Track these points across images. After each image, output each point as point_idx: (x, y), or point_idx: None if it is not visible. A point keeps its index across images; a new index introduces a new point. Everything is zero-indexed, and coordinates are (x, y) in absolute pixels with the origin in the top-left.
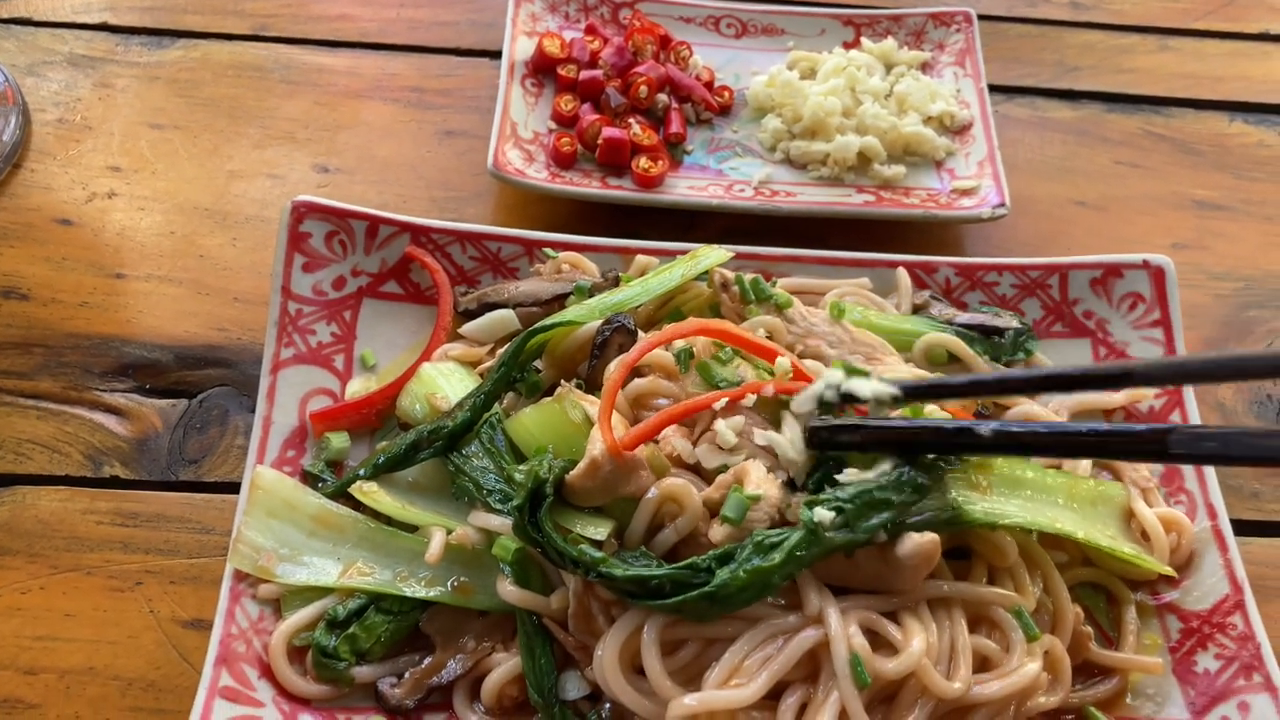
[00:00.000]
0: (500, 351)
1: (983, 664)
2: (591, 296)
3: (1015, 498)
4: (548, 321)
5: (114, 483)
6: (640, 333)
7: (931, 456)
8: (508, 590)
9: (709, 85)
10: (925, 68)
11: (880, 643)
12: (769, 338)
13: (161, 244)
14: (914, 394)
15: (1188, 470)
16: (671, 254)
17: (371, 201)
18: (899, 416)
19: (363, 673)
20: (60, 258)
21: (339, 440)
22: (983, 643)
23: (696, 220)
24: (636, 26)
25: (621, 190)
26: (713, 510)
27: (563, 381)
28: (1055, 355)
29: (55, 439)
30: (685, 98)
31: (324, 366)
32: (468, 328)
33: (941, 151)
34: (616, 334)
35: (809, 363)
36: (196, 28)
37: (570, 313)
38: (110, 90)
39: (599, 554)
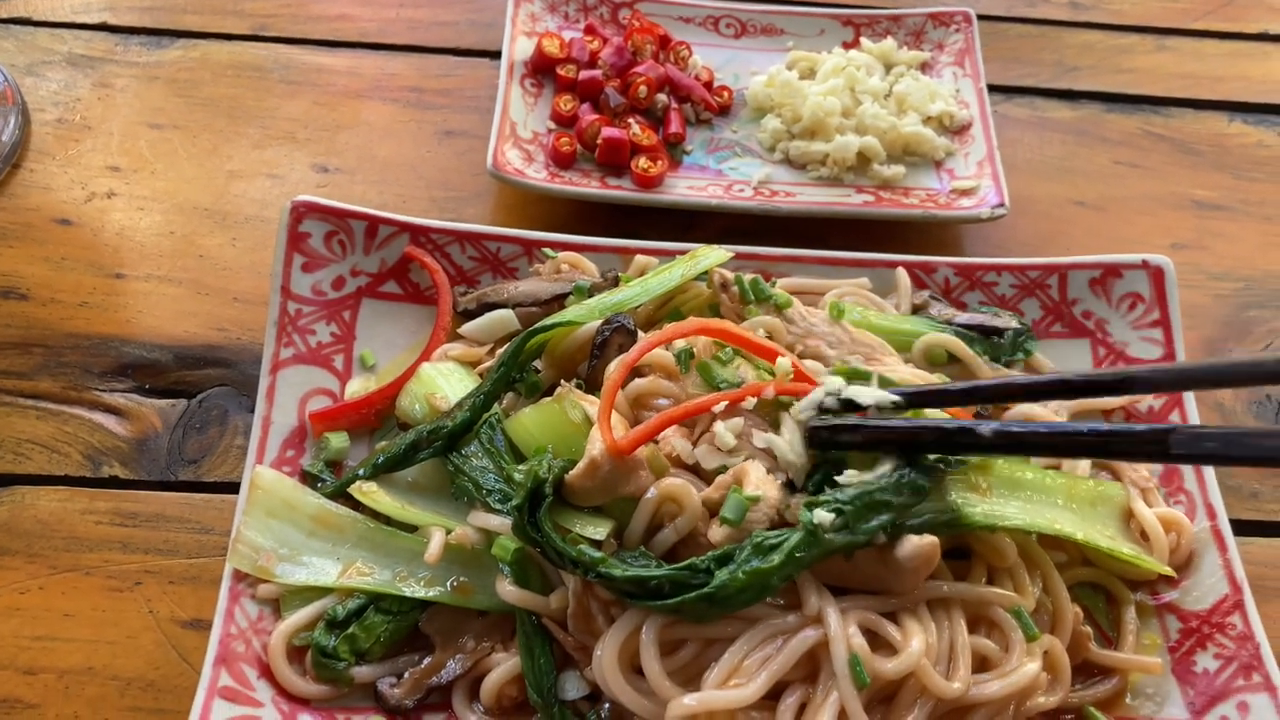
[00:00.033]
0: (500, 351)
1: (982, 664)
2: (591, 296)
3: (1015, 499)
4: (547, 321)
5: (113, 483)
6: (640, 333)
7: (931, 458)
8: (507, 590)
9: (708, 85)
10: (924, 68)
11: (879, 643)
12: (769, 338)
13: (161, 244)
14: (914, 401)
15: (1187, 470)
16: (671, 254)
17: (371, 201)
18: (900, 417)
19: (362, 673)
20: (60, 258)
21: (338, 440)
22: (982, 643)
23: (696, 220)
24: (636, 26)
25: (621, 190)
26: (712, 510)
27: (562, 381)
28: (1055, 355)
29: (54, 439)
30: (685, 98)
31: (323, 366)
32: (467, 328)
33: (941, 151)
34: (616, 334)
35: (809, 363)
36: (196, 28)
37: (570, 313)
38: (109, 90)
39: (598, 554)
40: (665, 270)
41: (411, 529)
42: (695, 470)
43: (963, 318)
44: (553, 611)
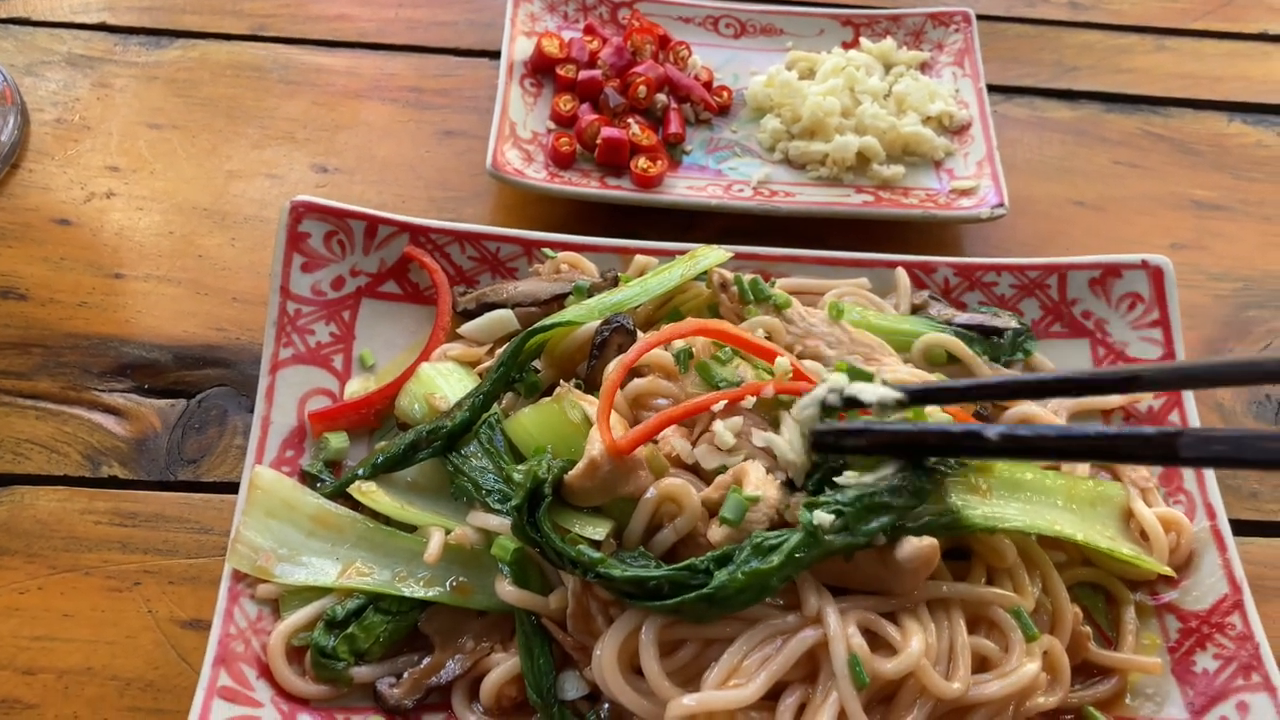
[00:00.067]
0: (499, 351)
1: (982, 664)
2: (590, 296)
3: (1015, 500)
4: (547, 321)
5: (112, 483)
6: (639, 333)
7: (932, 460)
8: (506, 590)
9: (708, 85)
10: (924, 68)
11: (879, 643)
12: (768, 338)
13: (160, 244)
14: (917, 398)
15: (1187, 470)
16: (670, 254)
17: (370, 201)
18: (903, 420)
19: (361, 673)
20: (59, 258)
21: (338, 440)
22: (982, 643)
23: (695, 220)
24: (635, 26)
25: (620, 190)
26: (711, 510)
27: (562, 381)
28: (1054, 355)
29: (54, 439)
30: (684, 98)
31: (323, 366)
32: (466, 328)
33: (940, 151)
34: (615, 334)
35: (808, 363)
36: (195, 27)
37: (569, 313)
38: (108, 90)
39: (597, 554)
40: (665, 270)
41: (411, 529)
42: (695, 470)
43: (962, 318)
44: (552, 611)
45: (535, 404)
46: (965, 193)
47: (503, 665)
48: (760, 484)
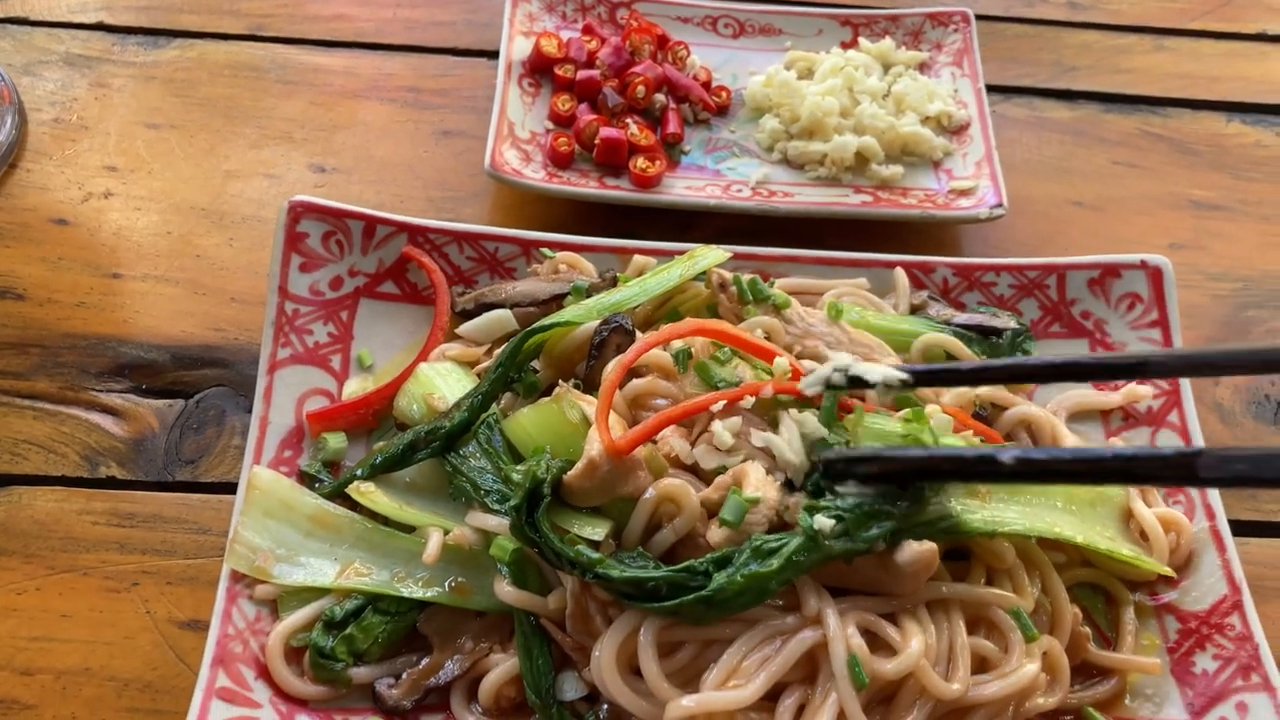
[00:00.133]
0: (498, 352)
1: (981, 665)
2: (589, 297)
3: (1014, 504)
4: (545, 322)
5: (110, 483)
6: (638, 333)
7: None
8: (505, 591)
9: (706, 85)
10: (923, 68)
11: (879, 644)
12: (767, 338)
13: (158, 244)
14: (922, 379)
15: None
16: (669, 254)
17: (368, 201)
18: (916, 445)
19: (360, 673)
20: (56, 258)
21: (336, 440)
22: (981, 644)
23: (694, 220)
24: (634, 26)
25: (619, 190)
26: (710, 511)
27: (560, 382)
28: (1053, 355)
29: (51, 439)
30: (683, 98)
31: (321, 367)
32: (465, 328)
33: (939, 152)
34: (614, 334)
35: (807, 363)
36: (193, 27)
37: (568, 313)
38: (106, 90)
39: (596, 555)
40: (663, 270)
41: (409, 529)
42: (694, 470)
43: (961, 318)
44: (551, 612)
45: (534, 404)
46: (964, 193)
47: (501, 666)
48: (760, 485)
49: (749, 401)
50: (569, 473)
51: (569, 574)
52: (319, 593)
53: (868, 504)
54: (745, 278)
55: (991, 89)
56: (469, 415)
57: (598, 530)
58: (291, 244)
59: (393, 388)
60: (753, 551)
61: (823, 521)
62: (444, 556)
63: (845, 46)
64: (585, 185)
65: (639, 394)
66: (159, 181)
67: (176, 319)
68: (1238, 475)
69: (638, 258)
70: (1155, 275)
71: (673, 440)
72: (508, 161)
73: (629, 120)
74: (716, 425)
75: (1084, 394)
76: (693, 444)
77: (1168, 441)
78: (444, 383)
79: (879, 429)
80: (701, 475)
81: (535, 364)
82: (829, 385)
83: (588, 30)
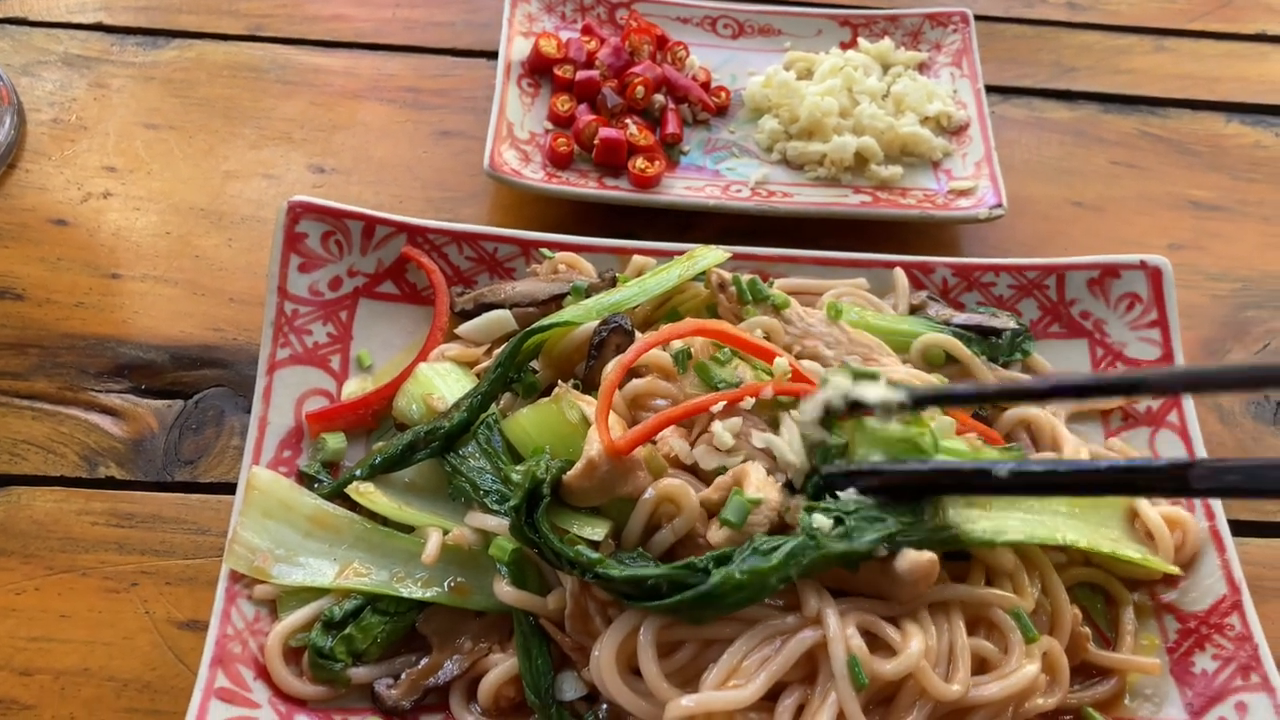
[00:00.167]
0: (497, 352)
1: (981, 665)
2: (588, 297)
3: (1016, 511)
4: (545, 322)
5: (109, 483)
6: (637, 333)
7: None
8: (504, 591)
9: (706, 86)
10: (922, 68)
11: (879, 644)
12: (766, 338)
13: (157, 244)
14: (921, 401)
15: None
16: (668, 254)
17: (368, 202)
18: (914, 460)
19: (359, 674)
20: (55, 258)
21: (335, 441)
22: (981, 644)
23: (693, 221)
24: (633, 27)
25: (618, 191)
26: (710, 511)
27: (560, 382)
28: (1052, 356)
29: (50, 439)
30: (682, 98)
31: (320, 367)
32: (464, 328)
33: (938, 152)
34: (613, 334)
35: (806, 363)
36: (191, 28)
37: (567, 313)
38: (105, 90)
39: (595, 554)
40: (663, 271)
41: (408, 530)
42: (693, 471)
43: (960, 318)
44: (550, 612)
45: (533, 404)
46: (963, 193)
47: (501, 666)
48: (762, 486)
49: (749, 402)
50: (568, 473)
51: (569, 574)
52: (318, 593)
53: (866, 510)
54: (744, 278)
55: (991, 89)
56: (468, 415)
57: (597, 530)
58: (290, 244)
59: (392, 388)
60: (754, 551)
61: (821, 520)
62: (443, 557)
63: (844, 47)
64: (584, 185)
65: (638, 394)
66: (158, 182)
67: (175, 319)
68: (1231, 486)
69: (637, 258)
70: (1154, 275)
71: (672, 440)
72: (507, 162)
73: (628, 120)
74: (717, 426)
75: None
76: (692, 444)
77: (1167, 442)
78: (443, 383)
79: (879, 432)
80: (701, 475)
81: (534, 364)
82: (828, 410)
83: (587, 31)
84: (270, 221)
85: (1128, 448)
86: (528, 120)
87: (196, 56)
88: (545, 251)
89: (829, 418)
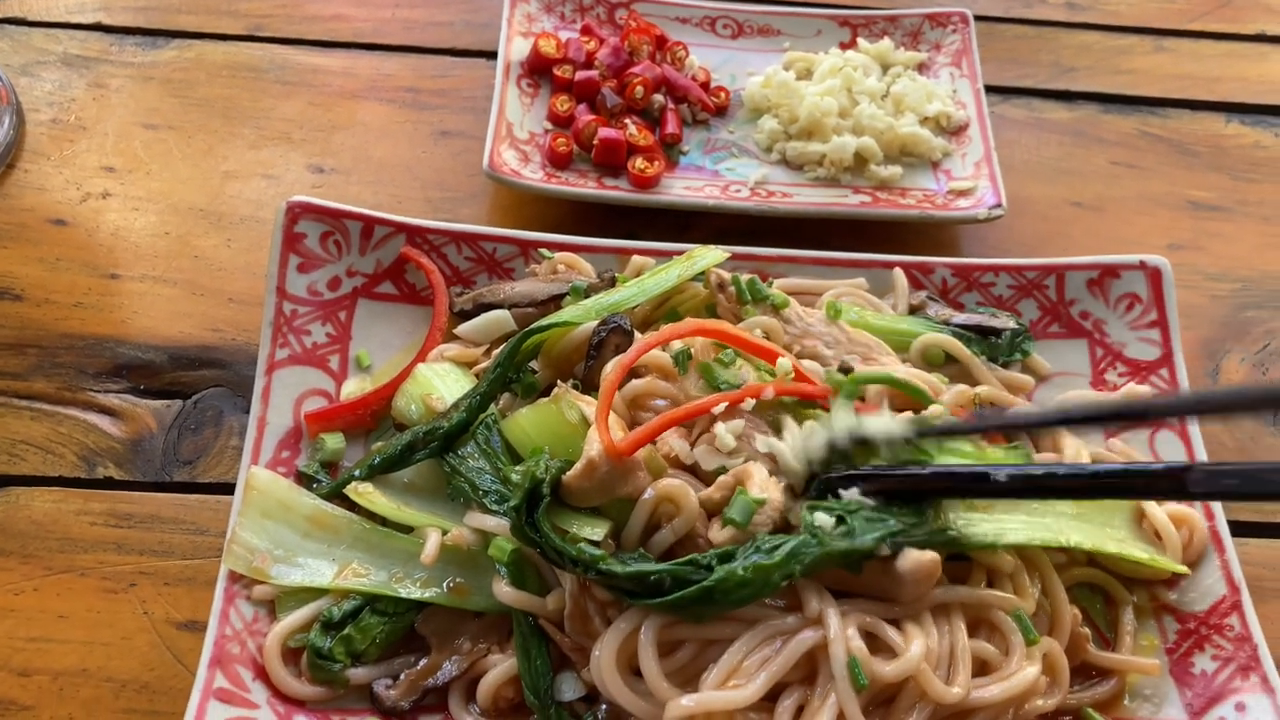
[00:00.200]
0: (496, 352)
1: (982, 667)
2: (587, 297)
3: (1018, 513)
4: (544, 322)
5: (108, 484)
6: (636, 333)
7: None
8: (503, 591)
9: (705, 86)
10: (922, 68)
11: (879, 646)
12: (766, 338)
13: (156, 244)
14: (926, 435)
15: None
16: (668, 254)
17: (367, 202)
18: (915, 464)
19: (358, 674)
20: (54, 258)
21: (334, 441)
22: (982, 646)
23: (692, 221)
24: (632, 27)
25: (617, 191)
26: (710, 511)
27: (559, 382)
28: (1052, 356)
29: (49, 440)
30: (681, 98)
31: (319, 367)
32: (463, 328)
33: (938, 152)
34: (613, 335)
35: (806, 363)
36: (191, 28)
37: (566, 313)
38: (104, 90)
39: (599, 551)
40: (662, 271)
41: (407, 530)
42: (693, 471)
43: (960, 318)
44: (549, 613)
45: (532, 404)
46: (963, 193)
47: (500, 666)
48: (765, 486)
49: (750, 403)
50: (568, 473)
51: (570, 572)
52: (317, 593)
53: (869, 509)
54: (744, 278)
55: (990, 89)
56: (467, 416)
57: (597, 530)
58: (289, 244)
59: (391, 388)
60: (756, 549)
61: (824, 519)
62: (442, 557)
63: (844, 47)
64: (584, 186)
65: (638, 394)
66: (157, 182)
67: (174, 319)
68: (1227, 490)
69: (636, 258)
70: (1154, 276)
71: (672, 440)
72: (506, 162)
73: (627, 121)
74: (719, 427)
75: (1083, 394)
76: (692, 445)
77: (1167, 442)
78: (442, 383)
79: None
80: (701, 475)
81: (533, 364)
82: (834, 447)
83: (586, 31)
84: (269, 222)
85: (1128, 448)
86: (527, 120)
87: (196, 57)
88: (544, 252)
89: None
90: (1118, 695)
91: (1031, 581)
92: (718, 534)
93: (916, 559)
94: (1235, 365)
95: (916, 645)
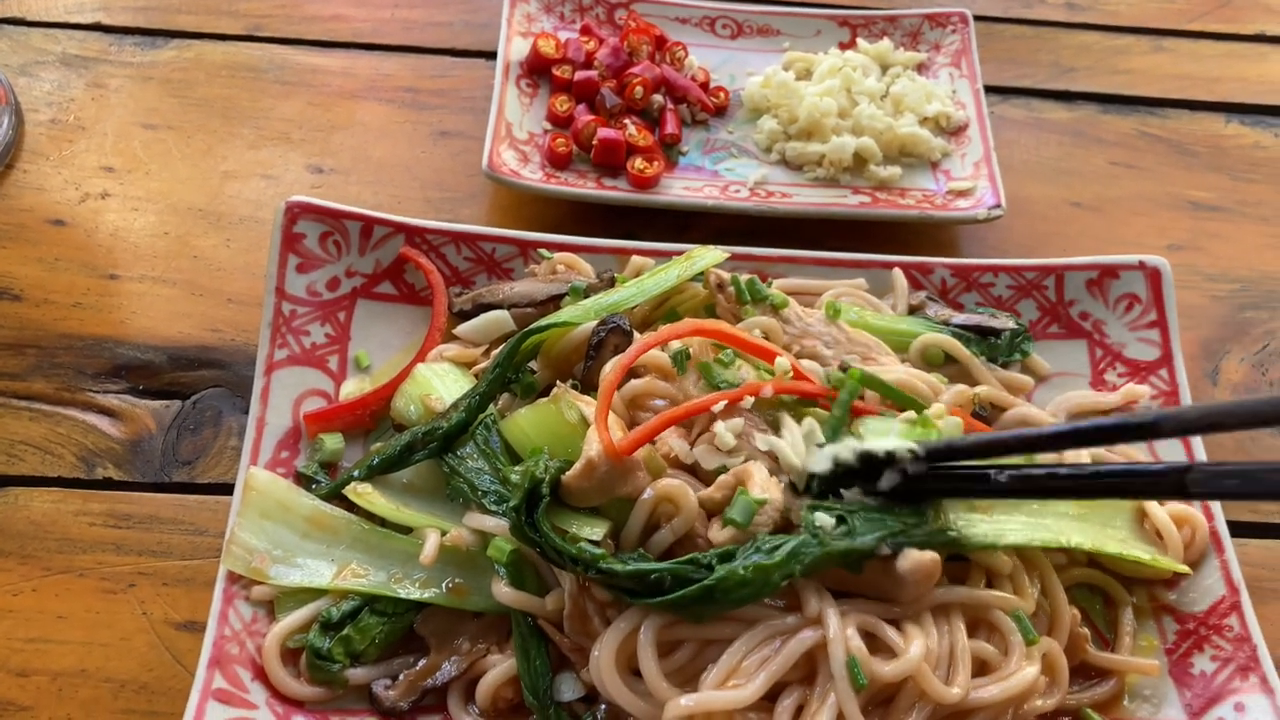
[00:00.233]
0: (495, 352)
1: (981, 667)
2: (587, 297)
3: (1018, 514)
4: (543, 322)
5: (107, 484)
6: (635, 334)
7: None
8: (503, 591)
9: (704, 86)
10: (921, 68)
11: (879, 646)
12: (765, 338)
13: (155, 245)
14: (933, 455)
15: None
16: (667, 255)
17: (366, 202)
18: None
19: (357, 675)
20: (53, 258)
21: (333, 441)
22: (982, 646)
23: (692, 221)
24: (632, 27)
25: (617, 191)
26: (710, 511)
27: (558, 382)
28: (1051, 356)
29: (48, 440)
30: (681, 98)
31: (318, 368)
32: (462, 329)
33: (937, 152)
34: (612, 335)
35: (805, 363)
36: (190, 28)
37: (565, 314)
38: (103, 90)
39: (599, 550)
40: (661, 271)
41: (406, 530)
42: (692, 470)
43: (959, 318)
44: (548, 613)
45: (532, 405)
46: (962, 194)
47: (499, 667)
48: (766, 486)
49: (749, 402)
50: (567, 473)
51: (571, 572)
52: (316, 594)
53: (869, 510)
54: (743, 278)
55: (990, 90)
56: (466, 416)
57: (596, 530)
58: (289, 245)
59: (390, 389)
60: (757, 548)
61: (824, 519)
62: (441, 557)
63: (843, 47)
64: (583, 186)
65: (637, 394)
66: (156, 182)
67: (173, 320)
68: (1227, 490)
69: (635, 258)
70: (1153, 276)
71: (671, 440)
72: (505, 162)
73: (627, 121)
74: (719, 426)
75: (1083, 395)
76: (692, 444)
77: (1166, 441)
78: (441, 383)
79: (883, 434)
80: (700, 475)
81: (533, 365)
82: (837, 462)
83: (585, 31)
84: (268, 222)
85: (1129, 448)
86: (526, 120)
87: (195, 57)
88: (543, 252)
89: (837, 426)
90: (1117, 696)
91: (1031, 582)
92: (718, 534)
93: (916, 559)
94: (1234, 365)
95: (916, 645)
